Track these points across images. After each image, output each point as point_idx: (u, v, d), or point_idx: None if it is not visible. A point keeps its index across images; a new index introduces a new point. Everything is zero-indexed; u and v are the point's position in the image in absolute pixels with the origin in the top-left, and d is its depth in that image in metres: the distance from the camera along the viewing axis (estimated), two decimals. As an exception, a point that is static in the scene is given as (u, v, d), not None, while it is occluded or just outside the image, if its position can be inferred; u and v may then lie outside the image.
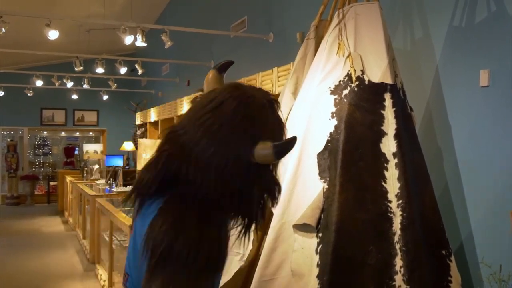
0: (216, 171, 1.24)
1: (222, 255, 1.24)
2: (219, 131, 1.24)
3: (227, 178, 1.25)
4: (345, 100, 2.80)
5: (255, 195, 1.29)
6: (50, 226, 10.00)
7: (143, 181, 1.30)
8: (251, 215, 1.31)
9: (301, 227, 2.72)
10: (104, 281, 5.58)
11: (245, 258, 3.17)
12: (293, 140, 1.28)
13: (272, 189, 1.32)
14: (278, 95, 3.57)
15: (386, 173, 2.67)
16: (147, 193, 1.31)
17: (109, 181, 7.98)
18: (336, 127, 2.77)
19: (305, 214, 2.69)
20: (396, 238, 2.59)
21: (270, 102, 1.34)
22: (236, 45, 6.88)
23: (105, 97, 11.99)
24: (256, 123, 1.27)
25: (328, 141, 2.77)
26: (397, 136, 2.72)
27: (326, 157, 2.75)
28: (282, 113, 3.37)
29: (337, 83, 2.87)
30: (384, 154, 2.71)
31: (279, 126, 1.35)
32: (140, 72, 8.92)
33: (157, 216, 1.24)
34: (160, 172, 1.29)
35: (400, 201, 2.62)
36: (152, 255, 1.20)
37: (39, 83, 10.62)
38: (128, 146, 12.06)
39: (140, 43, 6.19)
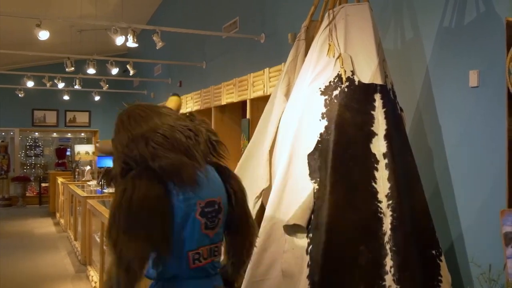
0: None
1: None
2: None
3: None
4: (335, 101, 2.81)
5: None
6: (42, 227, 9.95)
7: None
8: None
9: (292, 228, 2.72)
10: (96, 282, 5.56)
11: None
12: None
13: None
14: (269, 95, 3.57)
15: (376, 174, 2.68)
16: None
17: (100, 182, 7.94)
18: (326, 127, 2.78)
19: (295, 215, 2.69)
20: (386, 238, 2.59)
21: None
22: (228, 46, 6.87)
23: (97, 98, 11.94)
24: None
25: (318, 142, 2.77)
26: (387, 137, 2.73)
27: (317, 157, 2.75)
28: (274, 114, 3.37)
29: (328, 83, 2.87)
30: (374, 155, 2.71)
31: None
32: (132, 73, 8.89)
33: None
34: None
35: (390, 202, 2.62)
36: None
37: (30, 83, 10.56)
38: (120, 147, 11.96)
39: (131, 43, 6.17)
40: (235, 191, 2.16)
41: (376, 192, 2.66)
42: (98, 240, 5.68)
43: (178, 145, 2.04)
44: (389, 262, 2.56)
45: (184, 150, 2.04)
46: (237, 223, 2.17)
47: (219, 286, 2.12)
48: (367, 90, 2.81)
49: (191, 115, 2.21)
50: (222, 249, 2.18)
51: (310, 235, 2.65)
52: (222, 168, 2.20)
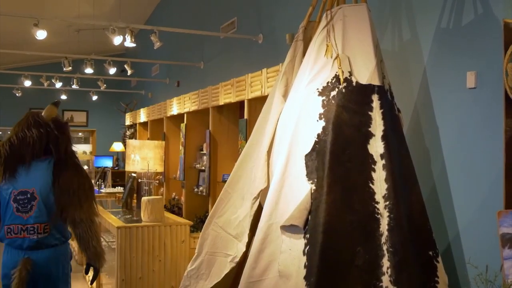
0: None
1: None
2: None
3: None
4: (333, 102, 2.81)
5: None
6: (39, 227, 9.91)
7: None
8: None
9: (289, 228, 2.72)
10: (93, 282, 5.55)
11: (237, 260, 3.16)
12: None
13: None
14: (267, 96, 3.57)
15: (374, 174, 2.68)
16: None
17: (98, 182, 7.94)
18: (324, 128, 2.78)
19: (292, 215, 2.69)
20: (383, 239, 2.59)
21: None
22: (226, 46, 6.87)
23: (95, 98, 11.92)
24: None
25: (315, 142, 2.77)
26: (384, 138, 2.73)
27: (314, 158, 2.75)
28: (272, 115, 3.39)
29: (325, 84, 2.87)
30: (371, 155, 2.72)
31: None
32: (129, 72, 8.87)
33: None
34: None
35: (387, 202, 2.63)
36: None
37: (27, 83, 10.54)
38: (117, 147, 11.98)
39: (129, 43, 6.15)
40: (56, 183, 3.01)
41: (373, 193, 2.66)
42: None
43: (16, 150, 3.03)
44: (386, 263, 2.56)
45: (19, 155, 3.03)
46: (63, 205, 3.02)
47: (27, 259, 2.89)
48: (365, 91, 2.81)
49: (55, 121, 3.14)
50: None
51: (307, 236, 2.64)
52: (57, 165, 3.06)
